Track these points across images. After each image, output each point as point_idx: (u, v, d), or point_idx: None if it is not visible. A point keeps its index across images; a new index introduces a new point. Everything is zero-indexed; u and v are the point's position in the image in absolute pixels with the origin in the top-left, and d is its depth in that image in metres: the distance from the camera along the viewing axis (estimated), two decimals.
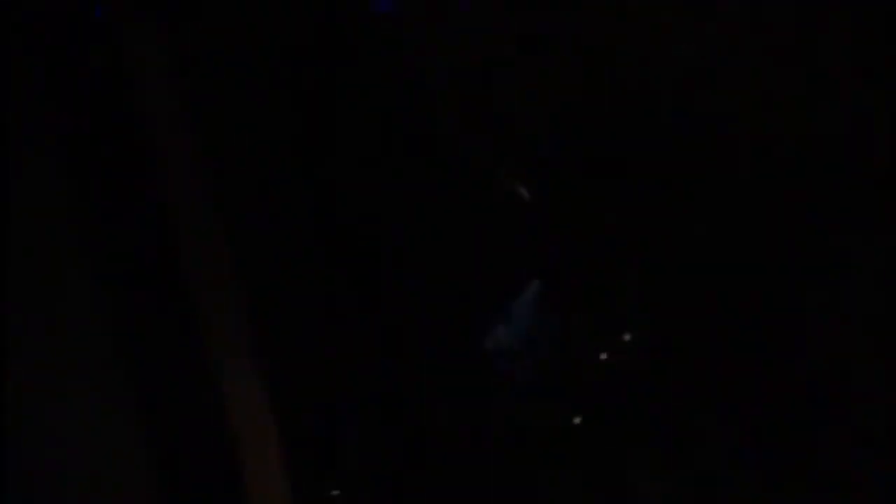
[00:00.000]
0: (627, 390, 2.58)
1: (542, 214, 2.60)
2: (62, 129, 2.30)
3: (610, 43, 2.57)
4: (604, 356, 2.59)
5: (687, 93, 2.57)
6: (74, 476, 2.28)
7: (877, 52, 2.48)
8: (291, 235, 2.53)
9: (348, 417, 2.57)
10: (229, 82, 2.47)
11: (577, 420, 2.58)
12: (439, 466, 2.57)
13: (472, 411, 2.58)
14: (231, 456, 2.36)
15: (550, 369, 2.60)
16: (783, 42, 2.54)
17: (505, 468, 2.57)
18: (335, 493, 2.50)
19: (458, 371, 2.59)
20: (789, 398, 2.52)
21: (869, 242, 2.48)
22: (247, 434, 2.38)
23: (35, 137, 2.28)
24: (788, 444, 2.51)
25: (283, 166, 2.52)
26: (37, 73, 2.29)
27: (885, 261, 2.47)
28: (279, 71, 2.53)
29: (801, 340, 2.51)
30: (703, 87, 2.56)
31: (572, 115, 2.60)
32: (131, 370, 2.34)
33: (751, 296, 2.55)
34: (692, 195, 2.58)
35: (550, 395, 2.60)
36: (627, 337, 2.59)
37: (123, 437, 2.34)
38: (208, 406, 2.36)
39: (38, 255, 2.28)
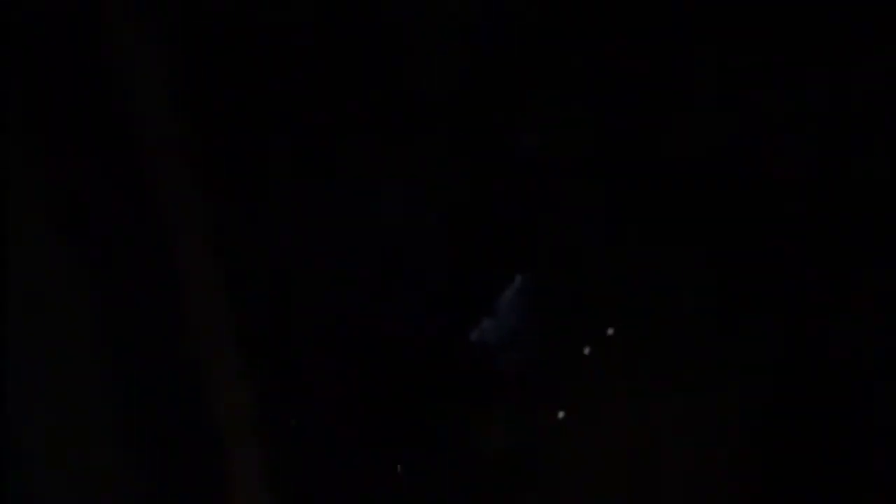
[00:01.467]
0: (612, 384, 2.58)
1: (525, 208, 2.58)
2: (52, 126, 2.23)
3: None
4: (587, 350, 2.59)
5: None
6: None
7: None
8: (281, 236, 2.49)
9: (332, 414, 2.54)
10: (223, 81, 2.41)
11: (561, 414, 2.58)
12: (425, 462, 2.56)
13: (459, 408, 2.57)
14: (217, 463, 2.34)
15: (534, 364, 2.59)
16: None
17: (491, 462, 2.57)
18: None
19: (445, 367, 2.57)
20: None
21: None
22: (231, 435, 2.35)
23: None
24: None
25: (277, 168, 2.48)
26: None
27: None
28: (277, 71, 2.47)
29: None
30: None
31: (560, 109, 2.58)
32: (115, 372, 2.29)
33: (733, 289, 2.57)
34: (676, 188, 2.58)
35: (535, 389, 2.59)
36: (610, 331, 2.58)
37: (104, 441, 2.31)
38: (193, 410, 2.32)
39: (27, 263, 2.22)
